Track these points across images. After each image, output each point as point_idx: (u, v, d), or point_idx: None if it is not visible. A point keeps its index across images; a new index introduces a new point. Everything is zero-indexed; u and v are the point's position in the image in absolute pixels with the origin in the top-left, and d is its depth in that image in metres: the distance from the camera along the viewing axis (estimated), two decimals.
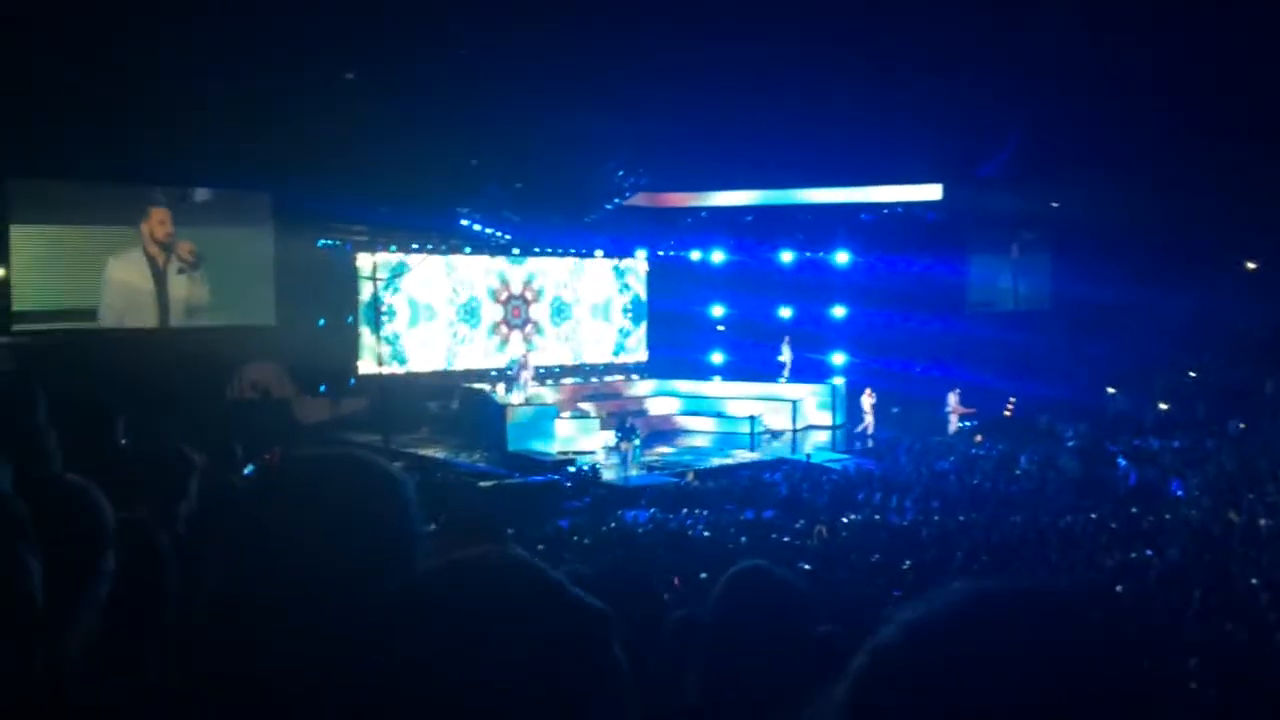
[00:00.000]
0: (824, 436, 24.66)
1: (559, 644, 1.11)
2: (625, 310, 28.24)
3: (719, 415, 24.58)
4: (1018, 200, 26.36)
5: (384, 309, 23.27)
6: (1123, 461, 19.26)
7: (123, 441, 2.88)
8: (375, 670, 1.10)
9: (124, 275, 20.11)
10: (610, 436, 21.07)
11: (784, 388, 25.68)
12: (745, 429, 23.46)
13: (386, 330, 23.50)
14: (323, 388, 22.55)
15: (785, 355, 25.59)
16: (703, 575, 9.17)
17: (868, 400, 23.93)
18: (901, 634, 0.88)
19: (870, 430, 23.72)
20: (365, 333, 23.17)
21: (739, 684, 2.12)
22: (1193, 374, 26.13)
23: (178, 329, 20.56)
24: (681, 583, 9.83)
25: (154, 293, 20.54)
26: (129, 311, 20.20)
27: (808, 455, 21.38)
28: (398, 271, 23.47)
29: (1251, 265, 28.66)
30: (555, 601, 1.15)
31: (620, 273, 28.11)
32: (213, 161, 18.95)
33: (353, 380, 23.04)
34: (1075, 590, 0.89)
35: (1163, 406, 24.76)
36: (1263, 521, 14.21)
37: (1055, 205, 27.48)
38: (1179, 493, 17.25)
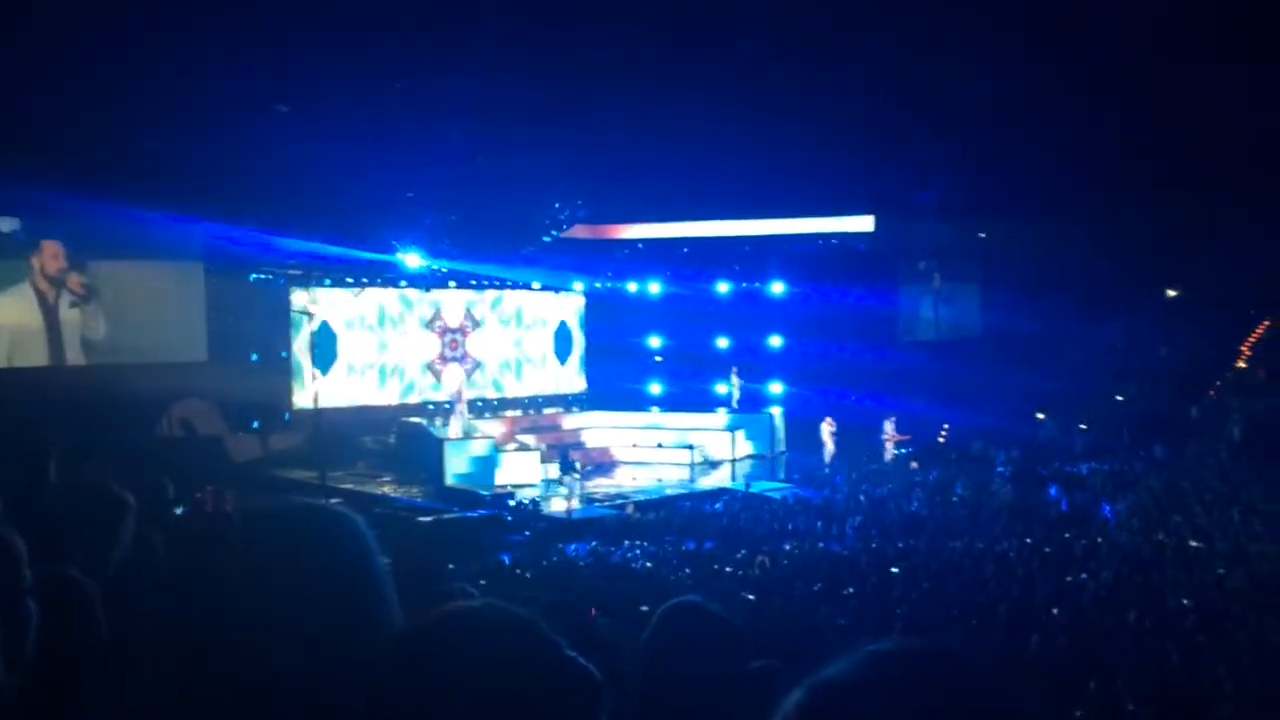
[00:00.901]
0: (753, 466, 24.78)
1: (548, 707, 1.09)
2: (562, 342, 28.18)
3: (658, 446, 24.58)
4: (946, 231, 26.90)
5: (315, 344, 22.96)
6: (1054, 488, 19.62)
7: (53, 478, 2.79)
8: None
9: (9, 312, 19.24)
10: (549, 469, 20.95)
11: (721, 418, 25.84)
12: (684, 459, 23.49)
13: (321, 365, 23.16)
14: (255, 424, 22.14)
15: (735, 386, 25.82)
16: (643, 607, 9.14)
17: (828, 429, 24.19)
18: (806, 697, 0.94)
19: (827, 459, 23.98)
20: (301, 367, 22.82)
21: (676, 715, 2.09)
22: (1119, 398, 26.78)
23: (105, 365, 19.97)
24: (604, 614, 9.79)
25: (43, 329, 19.56)
26: (17, 350, 19.24)
27: (747, 485, 21.44)
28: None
29: (1172, 293, 29.54)
30: (549, 662, 1.12)
31: (558, 304, 28.08)
32: (139, 196, 18.45)
33: (287, 415, 22.66)
34: (967, 652, 0.97)
35: (1083, 427, 25.32)
36: (1192, 543, 14.54)
37: (983, 236, 28.09)
38: (1109, 517, 17.59)
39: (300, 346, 22.80)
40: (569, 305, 28.32)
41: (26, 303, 19.43)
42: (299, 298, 22.61)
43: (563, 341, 28.18)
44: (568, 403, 27.58)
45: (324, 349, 23.18)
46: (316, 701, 1.15)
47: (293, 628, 1.20)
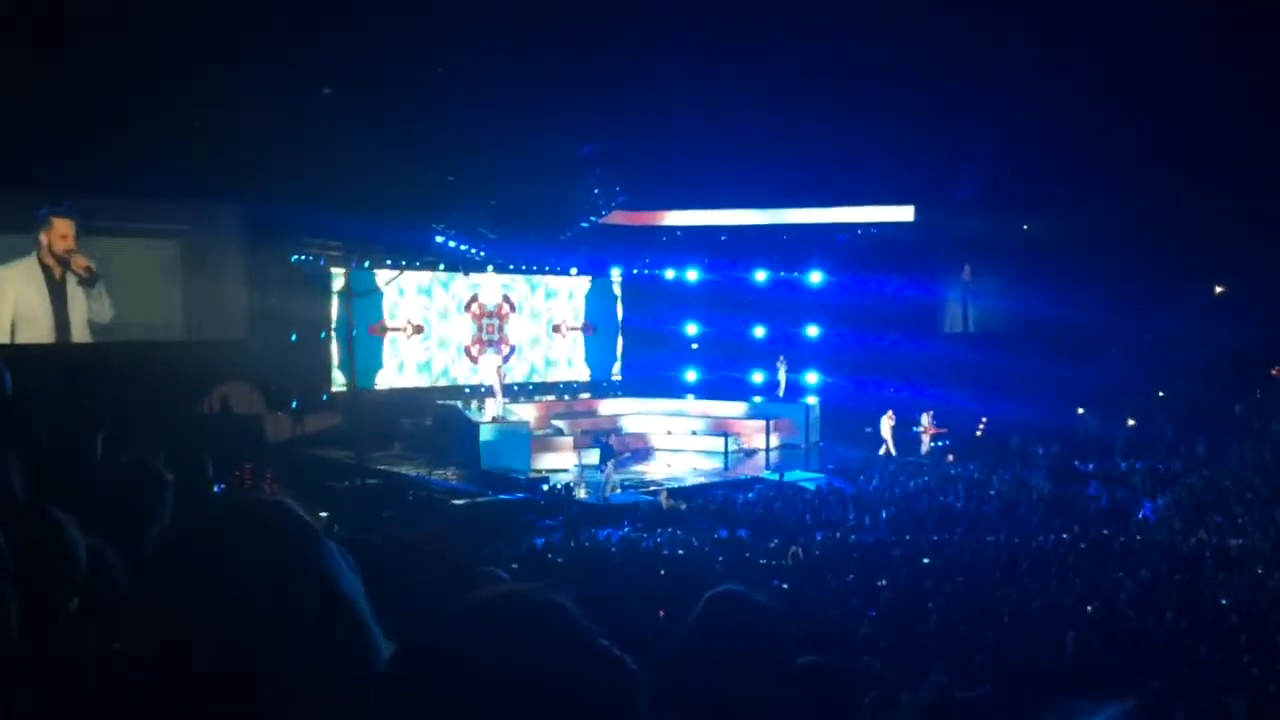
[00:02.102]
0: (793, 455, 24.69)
1: (580, 699, 1.06)
2: (600, 328, 28.20)
3: (692, 433, 24.56)
4: (988, 222, 26.59)
5: (355, 326, 23.15)
6: (1093, 484, 19.39)
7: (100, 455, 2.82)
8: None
9: (14, 288, 19.06)
10: (584, 455, 20.99)
11: (758, 407, 25.81)
12: (719, 447, 23.45)
13: (360, 346, 23.35)
14: (294, 403, 22.35)
15: (781, 375, 25.76)
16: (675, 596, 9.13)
17: (888, 422, 24.09)
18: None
19: (893, 453, 23.85)
20: (338, 348, 23.01)
21: (716, 712, 2.05)
22: (1162, 394, 26.38)
23: (152, 343, 20.20)
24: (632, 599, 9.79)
25: (49, 307, 19.33)
26: (22, 325, 19.03)
27: (781, 474, 21.38)
28: (368, 289, 23.33)
29: (1219, 289, 29.02)
30: (582, 651, 1.09)
31: (596, 290, 28.10)
32: (186, 176, 18.56)
33: (325, 396, 22.86)
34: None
35: (1130, 423, 24.99)
36: (1232, 542, 14.33)
37: (1025, 228, 27.75)
38: (1149, 514, 17.37)
39: (341, 326, 22.97)
40: (606, 291, 28.32)
41: (34, 279, 19.28)
42: (338, 277, 22.76)
43: (600, 327, 28.19)
44: (603, 389, 27.60)
45: (367, 329, 23.37)
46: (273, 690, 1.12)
47: (239, 629, 1.15)
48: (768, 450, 24.42)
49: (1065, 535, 15.26)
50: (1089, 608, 10.83)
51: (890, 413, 24.23)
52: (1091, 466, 21.17)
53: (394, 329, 24.20)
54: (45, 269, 19.38)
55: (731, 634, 2.07)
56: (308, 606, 1.20)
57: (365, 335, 23.58)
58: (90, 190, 18.92)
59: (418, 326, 24.61)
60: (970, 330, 29.15)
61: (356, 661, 1.18)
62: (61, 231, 19.35)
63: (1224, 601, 11.15)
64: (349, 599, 1.24)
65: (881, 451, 24.01)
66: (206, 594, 1.19)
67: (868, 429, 25.05)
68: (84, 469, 2.66)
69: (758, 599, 2.24)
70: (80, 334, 19.66)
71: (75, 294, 19.59)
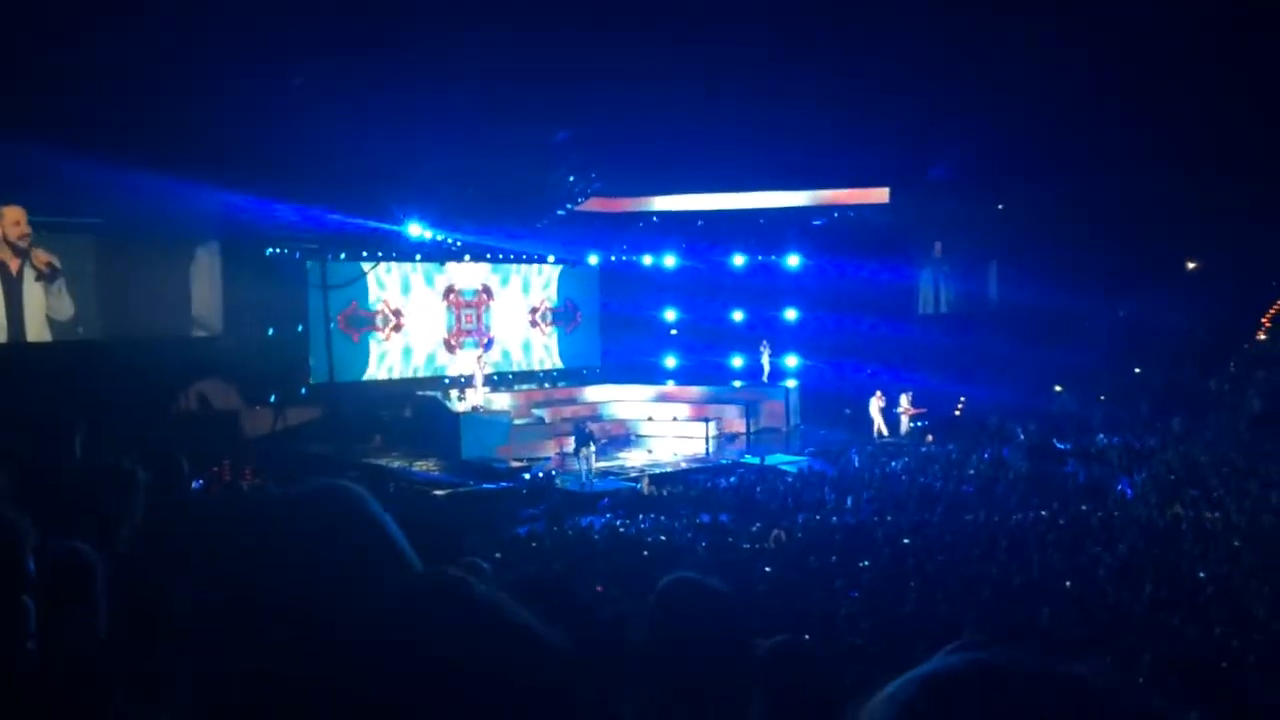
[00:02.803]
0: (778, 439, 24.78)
1: (513, 687, 1.06)
2: (579, 315, 28.18)
3: (673, 419, 24.60)
4: (963, 204, 26.70)
5: (334, 318, 23.07)
6: (1071, 462, 19.55)
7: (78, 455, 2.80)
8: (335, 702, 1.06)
9: None
10: (565, 443, 21.00)
11: (738, 391, 25.88)
12: (700, 432, 23.51)
13: (337, 339, 23.28)
14: (273, 397, 22.25)
15: (765, 359, 25.81)
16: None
17: (877, 404, 24.16)
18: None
19: (885, 434, 23.91)
20: (315, 341, 22.92)
21: (677, 698, 2.06)
22: (1137, 371, 26.62)
23: (122, 340, 19.99)
24: (616, 586, 9.80)
25: (1, 304, 18.37)
26: None
27: (761, 458, 21.45)
28: (344, 281, 23.24)
29: (1191, 265, 29.29)
30: (511, 640, 1.08)
31: (573, 278, 28.06)
32: (151, 171, 18.24)
33: (304, 389, 22.76)
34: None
35: (1102, 398, 25.22)
36: (1208, 515, 14.49)
37: (1000, 208, 27.88)
38: (1126, 490, 17.53)
39: (317, 318, 22.88)
40: (584, 278, 28.28)
41: None
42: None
43: (578, 314, 28.17)
44: (583, 376, 27.59)
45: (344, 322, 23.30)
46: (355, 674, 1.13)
47: (316, 610, 1.18)
48: (748, 434, 24.50)
49: (1044, 513, 15.39)
50: (1067, 583, 10.94)
51: (879, 393, 24.29)
52: (1069, 444, 21.33)
53: (371, 321, 24.11)
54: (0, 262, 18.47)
55: (687, 619, 2.08)
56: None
57: (341, 327, 23.50)
58: (49, 182, 18.44)
59: (395, 318, 24.51)
60: (942, 310, 29.31)
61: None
62: (14, 218, 18.44)
63: (1201, 575, 11.29)
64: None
65: (874, 432, 24.07)
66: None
67: (847, 411, 25.15)
68: (57, 470, 2.64)
69: (711, 583, 2.25)
70: (37, 333, 18.78)
71: (33, 290, 18.71)
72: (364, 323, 23.97)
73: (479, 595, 1.11)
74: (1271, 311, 28.10)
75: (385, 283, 24.44)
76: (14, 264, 18.64)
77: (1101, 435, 22.33)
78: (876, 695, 0.90)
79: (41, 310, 18.97)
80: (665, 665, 2.03)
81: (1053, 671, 0.86)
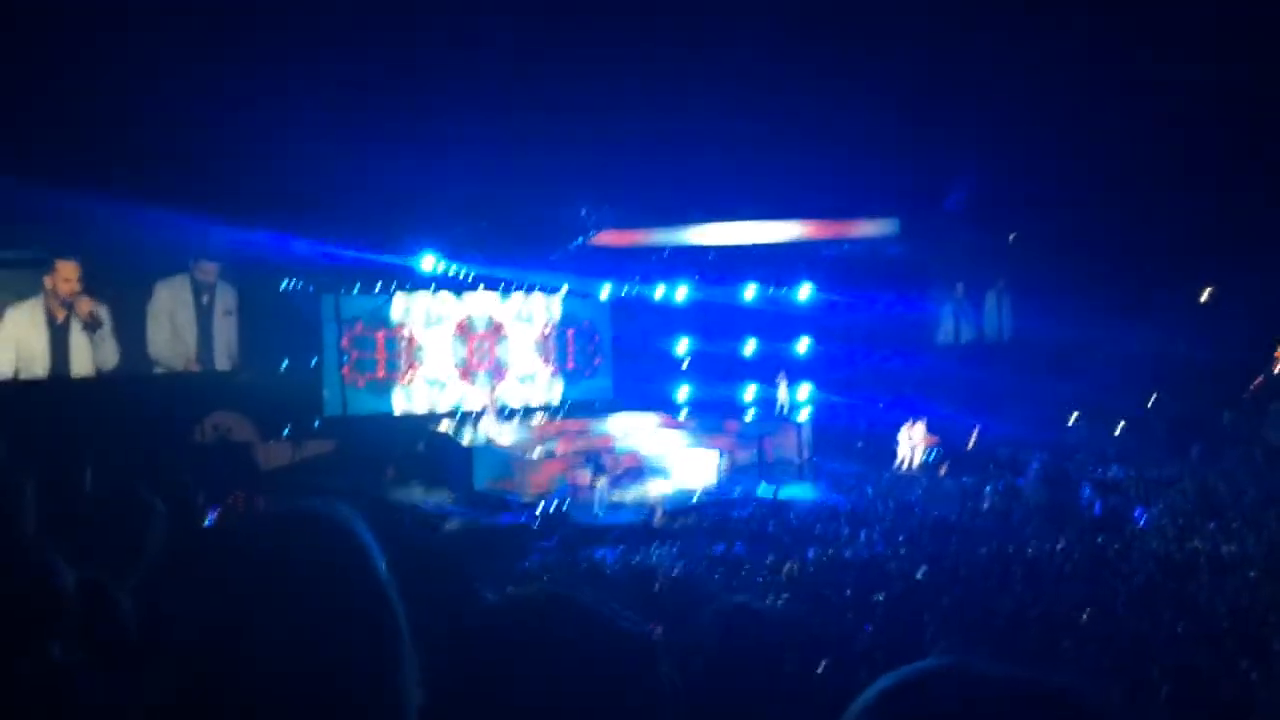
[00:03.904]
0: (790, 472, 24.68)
1: (609, 670, 1.17)
2: (590, 347, 28.23)
3: (686, 450, 24.54)
4: (973, 235, 26.73)
5: (347, 351, 23.16)
6: (1087, 491, 19.44)
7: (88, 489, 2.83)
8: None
9: (19, 328, 19.28)
10: (577, 475, 20.98)
11: (750, 424, 25.85)
12: (712, 464, 23.43)
13: (351, 372, 23.37)
14: (286, 431, 22.33)
15: (782, 391, 25.77)
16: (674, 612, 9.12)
17: (906, 434, 24.02)
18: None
19: (915, 465, 23.75)
20: (330, 374, 23.03)
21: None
22: (1152, 401, 26.49)
23: (137, 375, 20.18)
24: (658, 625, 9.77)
25: (48, 350, 19.50)
26: (23, 366, 19.27)
27: (775, 490, 21.37)
28: (357, 314, 23.35)
29: (1206, 295, 29.19)
30: (603, 631, 1.23)
31: (586, 310, 28.14)
32: (160, 203, 18.38)
33: (317, 423, 22.84)
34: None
35: (1122, 423, 25.10)
36: (1225, 548, 14.37)
37: (1012, 238, 27.90)
38: (1142, 521, 17.41)
39: (331, 352, 22.99)
40: (596, 311, 28.35)
41: (36, 322, 19.46)
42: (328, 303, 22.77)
43: (590, 347, 28.22)
44: (595, 409, 27.60)
45: (355, 357, 23.39)
46: (314, 702, 1.16)
47: (287, 631, 1.21)
48: (762, 466, 24.41)
49: (1059, 544, 15.28)
50: (1084, 615, 10.85)
51: (911, 421, 24.12)
52: (1084, 475, 21.22)
53: (385, 354, 24.20)
54: (48, 312, 19.53)
55: (750, 644, 2.10)
56: (363, 607, 1.28)
57: (356, 361, 23.60)
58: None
59: (409, 351, 24.60)
60: (959, 341, 29.26)
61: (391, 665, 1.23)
62: (65, 275, 19.47)
63: (1221, 609, 11.19)
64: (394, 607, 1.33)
65: (896, 464, 23.92)
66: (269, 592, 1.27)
67: (859, 443, 25.06)
68: (74, 502, 2.66)
69: (768, 610, 2.26)
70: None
71: (79, 339, 19.69)
72: (377, 356, 24.06)
73: (585, 604, 1.25)
74: None
75: (398, 315, 24.55)
76: (60, 314, 19.63)
77: (1116, 466, 22.20)
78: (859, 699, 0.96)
79: (87, 358, 19.85)
80: (726, 683, 2.06)
81: (1018, 675, 0.93)
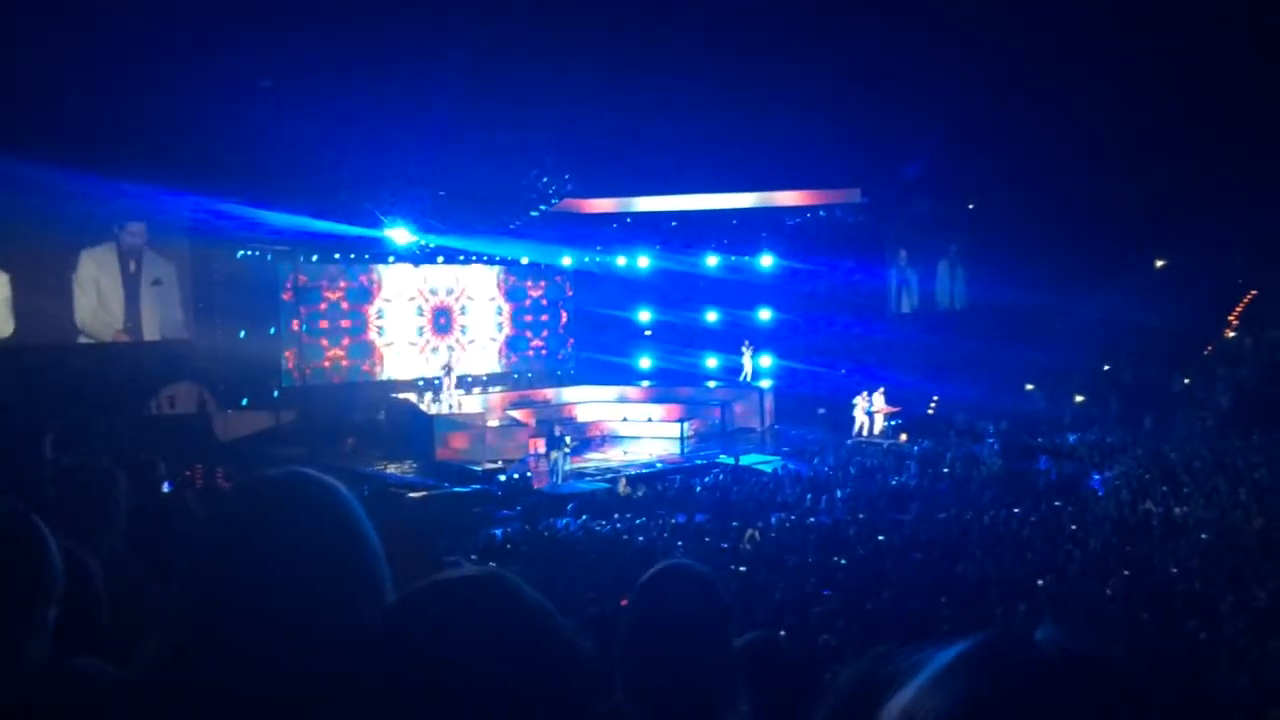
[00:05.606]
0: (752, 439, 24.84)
1: (539, 684, 1.08)
2: (552, 316, 28.16)
3: (648, 420, 24.61)
4: (934, 204, 26.90)
5: (304, 319, 22.93)
6: (1043, 459, 19.71)
7: (49, 457, 2.79)
8: (357, 694, 1.08)
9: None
10: (539, 444, 20.94)
11: (713, 391, 25.95)
12: (675, 433, 23.51)
13: (311, 340, 23.16)
14: (245, 401, 22.09)
15: (746, 359, 25.83)
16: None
17: (862, 404, 24.02)
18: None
19: (875, 433, 23.87)
20: (286, 344, 22.79)
21: (660, 678, 2.01)
22: (1107, 369, 26.90)
23: (87, 345, 19.80)
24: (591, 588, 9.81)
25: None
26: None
27: (736, 458, 21.48)
28: (315, 283, 23.07)
29: (1160, 263, 29.62)
30: (542, 635, 1.12)
31: (547, 278, 28.03)
32: (121, 171, 18.06)
33: (276, 393, 22.62)
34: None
35: (1079, 399, 25.46)
36: (1177, 510, 14.65)
37: (970, 208, 28.11)
38: (1098, 486, 17.69)
39: (289, 320, 22.74)
40: (558, 279, 28.26)
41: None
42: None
43: (551, 315, 28.15)
44: (557, 378, 27.56)
45: (314, 324, 23.16)
46: (304, 671, 1.15)
47: (276, 598, 1.21)
48: (724, 434, 24.53)
49: (1016, 510, 15.51)
50: (1040, 580, 11.02)
51: (865, 394, 24.17)
52: (1041, 441, 21.51)
53: (344, 323, 23.99)
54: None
55: (677, 603, 2.04)
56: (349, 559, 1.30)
57: (314, 330, 23.37)
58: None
59: (368, 320, 24.40)
60: (915, 310, 29.48)
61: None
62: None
63: (1172, 570, 11.42)
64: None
65: (854, 431, 23.99)
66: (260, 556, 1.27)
67: (821, 410, 25.23)
68: (35, 471, 2.63)
69: (699, 569, 2.21)
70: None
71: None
72: (336, 325, 23.84)
73: (528, 595, 1.14)
74: (1238, 309, 28.47)
75: (357, 284, 24.32)
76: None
77: (1072, 434, 22.53)
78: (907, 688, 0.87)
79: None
80: (647, 652, 2.00)
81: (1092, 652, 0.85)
